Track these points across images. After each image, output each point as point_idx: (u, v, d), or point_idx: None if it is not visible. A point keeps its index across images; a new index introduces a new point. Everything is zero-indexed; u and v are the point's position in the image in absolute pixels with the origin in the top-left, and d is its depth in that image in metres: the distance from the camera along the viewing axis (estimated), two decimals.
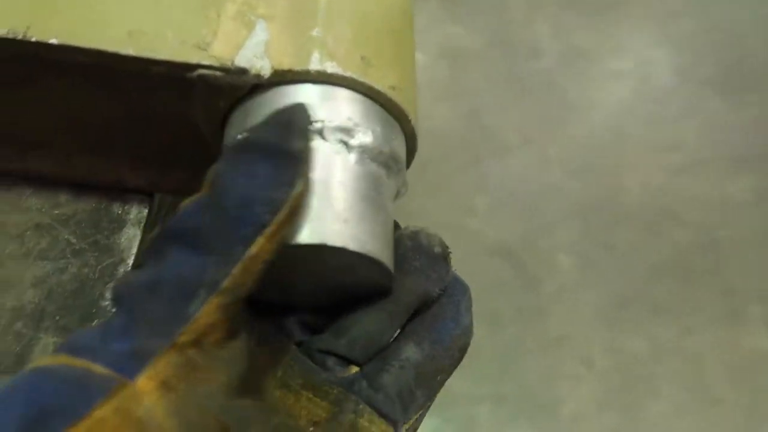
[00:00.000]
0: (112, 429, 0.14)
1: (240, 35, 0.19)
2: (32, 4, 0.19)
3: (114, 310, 0.16)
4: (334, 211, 0.17)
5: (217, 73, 0.19)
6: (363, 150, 0.18)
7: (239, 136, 0.17)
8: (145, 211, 0.24)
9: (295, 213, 0.16)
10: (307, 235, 0.16)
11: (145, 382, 0.14)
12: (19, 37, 0.18)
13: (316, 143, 0.18)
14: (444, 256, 0.20)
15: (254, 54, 0.19)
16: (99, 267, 0.23)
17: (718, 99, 1.21)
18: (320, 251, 0.17)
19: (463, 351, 0.20)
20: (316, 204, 0.17)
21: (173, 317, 0.15)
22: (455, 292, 0.21)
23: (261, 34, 0.19)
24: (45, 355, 0.16)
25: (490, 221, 1.06)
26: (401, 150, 0.20)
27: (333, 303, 0.19)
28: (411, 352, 0.19)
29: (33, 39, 0.18)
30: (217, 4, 0.19)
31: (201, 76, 0.19)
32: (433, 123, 1.17)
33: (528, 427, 0.86)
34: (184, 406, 0.15)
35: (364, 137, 0.18)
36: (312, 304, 0.20)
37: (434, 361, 0.19)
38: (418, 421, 0.19)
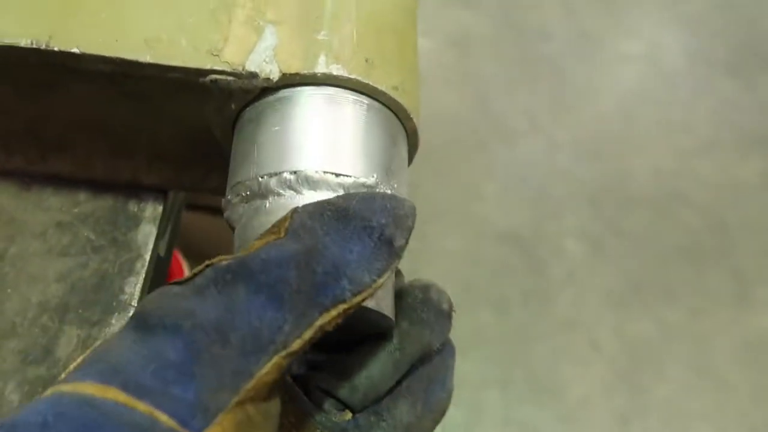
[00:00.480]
0: None
1: (250, 40, 0.20)
2: (54, 14, 0.20)
3: (162, 334, 0.15)
4: None
5: (229, 78, 0.19)
6: (346, 190, 0.19)
7: (344, 202, 0.17)
8: (160, 208, 0.25)
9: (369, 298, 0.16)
10: None
11: None
12: (42, 46, 0.19)
13: (304, 189, 0.19)
14: (449, 314, 0.21)
15: (264, 59, 0.19)
16: (118, 262, 0.24)
17: (729, 81, 1.20)
18: None
19: (443, 414, 0.20)
20: None
21: (242, 370, 0.14)
22: (448, 354, 0.21)
23: (270, 38, 0.20)
24: (82, 381, 0.14)
25: (499, 207, 1.06)
26: (403, 152, 0.21)
27: (332, 339, 0.19)
28: (404, 412, 0.19)
29: (55, 48, 0.19)
30: (227, 10, 0.20)
31: (214, 81, 0.20)
32: (441, 109, 1.17)
33: (535, 410, 0.88)
34: None
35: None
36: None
37: (421, 423, 0.19)
38: None
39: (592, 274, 1.00)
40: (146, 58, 0.19)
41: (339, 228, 0.16)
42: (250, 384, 0.14)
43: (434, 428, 0.20)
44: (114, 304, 0.23)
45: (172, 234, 0.30)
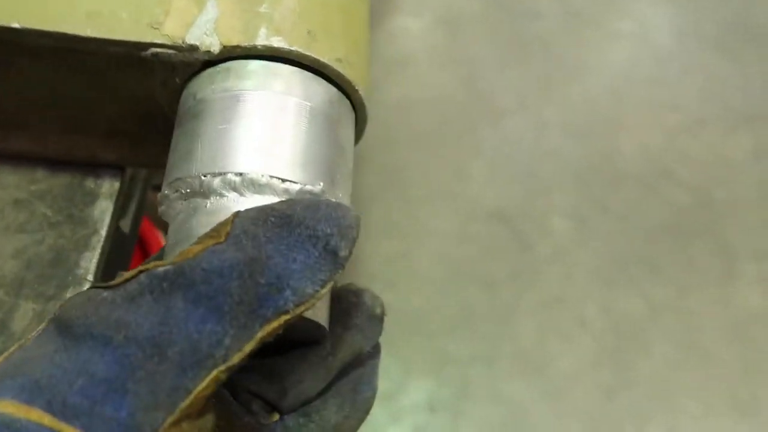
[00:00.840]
0: None
1: (191, 13, 0.20)
2: None
3: (90, 346, 0.14)
4: None
5: (170, 51, 0.20)
6: (291, 196, 0.19)
7: (288, 208, 0.16)
8: (117, 185, 0.26)
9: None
10: None
11: None
12: None
13: (248, 193, 0.19)
14: (381, 318, 0.21)
15: (204, 31, 0.19)
16: (74, 238, 0.24)
17: (719, 57, 1.20)
18: None
19: (368, 412, 0.20)
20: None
21: (179, 387, 0.14)
22: (376, 355, 0.21)
23: (211, 11, 0.20)
24: (8, 400, 0.13)
25: (487, 186, 1.06)
26: (349, 123, 0.21)
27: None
28: (333, 413, 0.19)
29: None
30: None
31: (155, 54, 0.20)
32: (430, 90, 1.17)
33: (523, 386, 0.89)
34: None
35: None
36: None
37: (348, 421, 0.19)
38: None
39: (579, 252, 1.00)
40: (87, 32, 0.19)
41: (283, 236, 0.15)
42: (187, 401, 0.14)
43: (359, 426, 0.20)
44: (69, 278, 0.23)
45: (136, 212, 0.30)
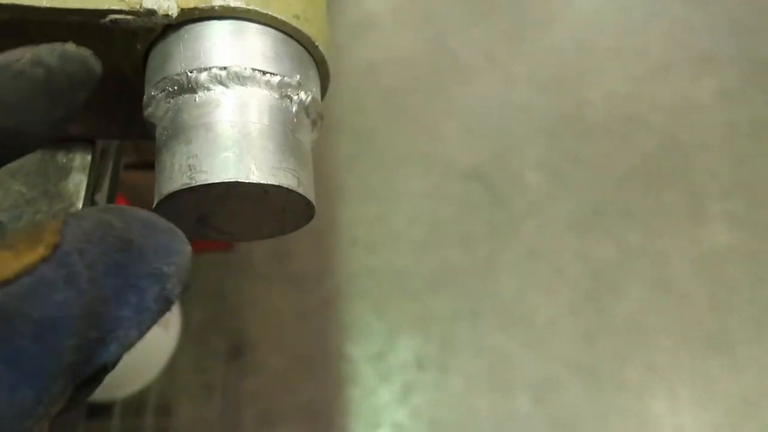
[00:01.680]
0: None
1: None
2: None
3: None
4: (247, 149, 0.19)
5: (129, 17, 0.20)
6: (272, 87, 0.20)
7: (126, 229, 0.14)
8: (89, 158, 0.26)
9: None
10: (224, 174, 0.18)
11: None
12: None
13: (233, 85, 0.19)
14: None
15: None
16: (51, 212, 0.25)
17: (682, 2, 1.21)
18: (234, 188, 0.19)
19: None
20: (231, 144, 0.19)
21: None
22: None
23: None
24: None
25: (460, 145, 1.07)
26: (314, 80, 0.22)
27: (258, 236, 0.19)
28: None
29: None
30: None
31: (114, 21, 0.20)
32: (398, 52, 1.16)
33: (506, 337, 0.91)
34: None
35: (272, 78, 0.20)
36: (249, 237, 0.22)
37: None
38: None
39: (553, 204, 1.02)
40: (42, 2, 0.19)
41: (120, 265, 0.13)
42: None
43: None
44: None
45: (111, 188, 0.30)
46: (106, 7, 0.20)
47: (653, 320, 0.94)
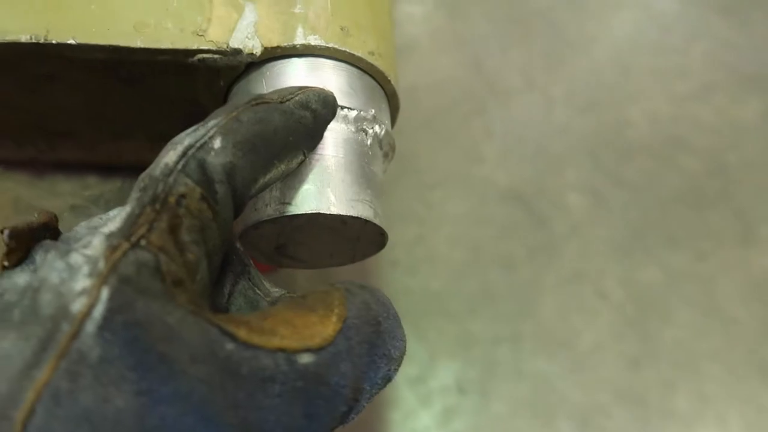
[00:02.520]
0: None
1: (231, 19, 0.21)
2: (48, 8, 0.21)
3: None
4: (327, 182, 0.20)
5: (215, 56, 0.21)
6: (348, 121, 0.21)
7: (378, 321, 0.16)
8: None
9: None
10: (307, 206, 0.19)
11: None
12: (41, 40, 0.20)
13: None
14: None
15: (246, 35, 0.21)
16: None
17: (723, 21, 1.19)
18: (316, 219, 0.19)
19: None
20: (312, 177, 0.20)
21: None
22: None
23: (250, 15, 0.21)
24: None
25: (500, 167, 1.07)
26: (385, 113, 0.22)
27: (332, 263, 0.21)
28: None
29: (53, 41, 0.20)
30: None
31: (201, 60, 0.21)
32: (436, 75, 1.17)
33: (548, 362, 0.90)
34: None
35: (351, 113, 0.21)
36: (320, 265, 0.22)
37: None
38: None
39: (595, 226, 1.01)
40: (137, 43, 0.21)
41: (372, 345, 0.15)
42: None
43: None
44: None
45: None
46: (195, 47, 0.21)
47: (701, 346, 0.92)
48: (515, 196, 1.04)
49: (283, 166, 0.17)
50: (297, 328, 0.14)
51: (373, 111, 0.21)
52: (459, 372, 0.90)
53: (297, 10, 0.21)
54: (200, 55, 0.21)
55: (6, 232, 0.14)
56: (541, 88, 1.16)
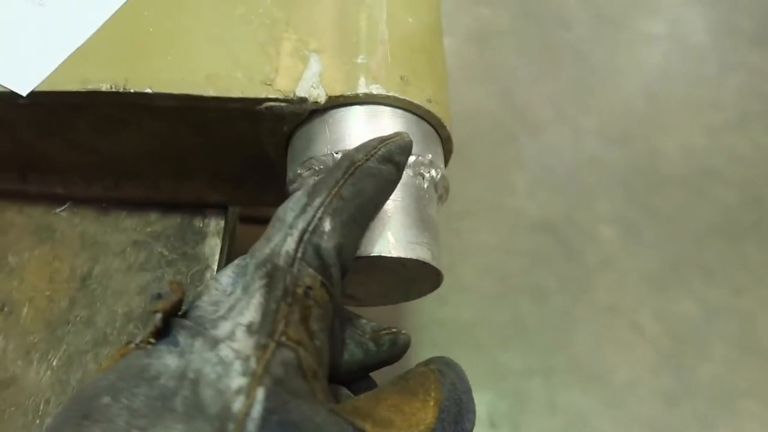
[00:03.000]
0: None
1: (297, 69, 0.22)
2: (128, 59, 0.22)
3: None
4: (388, 226, 0.20)
5: (282, 104, 0.22)
6: (407, 166, 0.21)
7: (463, 394, 0.18)
8: (222, 223, 0.28)
9: None
10: (369, 249, 0.20)
11: None
12: (121, 89, 0.22)
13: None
14: None
15: (311, 84, 0.22)
16: (189, 273, 0.27)
17: (756, 52, 1.19)
18: (376, 261, 0.20)
19: None
20: (377, 222, 0.20)
21: None
22: None
23: (315, 66, 0.22)
24: None
25: (530, 197, 1.07)
26: (440, 157, 0.23)
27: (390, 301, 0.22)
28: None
29: (132, 90, 0.22)
30: (276, 43, 0.23)
31: (268, 108, 0.22)
32: (466, 105, 1.19)
33: (581, 396, 0.88)
34: None
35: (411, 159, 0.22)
36: (374, 303, 0.23)
37: None
38: None
39: (629, 258, 1.00)
40: (209, 92, 0.22)
41: (456, 421, 0.17)
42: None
43: None
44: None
45: (230, 244, 0.33)
46: (263, 95, 0.22)
47: (740, 382, 0.89)
48: (546, 226, 1.04)
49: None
50: (406, 416, 0.15)
51: (430, 156, 0.22)
52: (490, 404, 0.89)
53: (359, 61, 0.22)
54: (268, 104, 0.22)
55: (159, 316, 0.15)
56: (572, 119, 1.16)
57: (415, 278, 0.22)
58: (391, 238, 0.20)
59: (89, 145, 0.26)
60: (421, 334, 0.95)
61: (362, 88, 0.22)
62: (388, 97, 0.22)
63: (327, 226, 0.16)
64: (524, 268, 1.01)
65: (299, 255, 0.16)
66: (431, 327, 0.97)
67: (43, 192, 0.28)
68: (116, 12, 0.23)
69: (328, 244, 0.16)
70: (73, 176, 0.28)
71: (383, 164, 0.18)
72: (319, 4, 0.24)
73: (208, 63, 0.22)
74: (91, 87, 0.22)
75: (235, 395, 0.14)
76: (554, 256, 1.01)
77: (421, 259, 0.20)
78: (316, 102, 0.22)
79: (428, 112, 0.22)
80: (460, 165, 1.11)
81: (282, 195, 0.25)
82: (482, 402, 0.89)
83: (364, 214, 0.18)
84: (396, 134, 0.19)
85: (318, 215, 0.17)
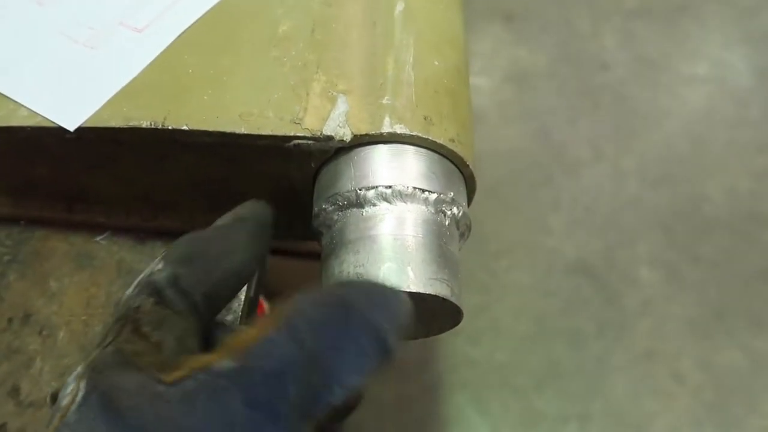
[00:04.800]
0: None
1: (325, 109, 0.23)
2: (167, 98, 0.24)
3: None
4: (408, 261, 0.21)
5: (309, 142, 0.23)
6: (429, 203, 0.22)
7: (345, 292, 0.17)
8: None
9: None
10: (388, 283, 0.20)
11: None
12: (159, 126, 0.23)
13: (396, 201, 0.22)
14: None
15: (338, 124, 0.23)
16: None
17: None
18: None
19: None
20: (394, 256, 0.21)
21: None
22: None
23: (342, 106, 0.23)
24: None
25: (567, 238, 1.06)
26: (462, 195, 0.24)
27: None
28: None
29: (170, 127, 0.23)
30: (306, 85, 0.24)
31: (296, 145, 0.23)
32: (503, 145, 1.19)
33: None
34: None
35: (431, 196, 0.22)
36: None
37: None
38: None
39: (669, 303, 0.97)
40: (241, 129, 0.23)
41: (339, 321, 0.16)
42: None
43: None
44: None
45: (260, 275, 0.33)
46: (292, 133, 0.23)
47: None
48: (583, 268, 1.02)
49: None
50: (225, 346, 0.16)
51: (452, 193, 0.22)
52: None
53: (385, 101, 0.23)
54: (296, 141, 0.23)
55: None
56: (611, 160, 1.15)
57: (434, 314, 0.22)
58: (411, 272, 0.20)
59: (130, 178, 0.27)
60: (452, 374, 0.94)
61: (386, 128, 0.23)
62: (412, 136, 0.23)
63: (159, 266, 0.19)
64: (560, 310, 0.99)
65: (134, 293, 0.18)
66: (463, 367, 0.96)
67: (86, 221, 0.29)
68: (159, 56, 0.25)
69: (159, 276, 0.18)
70: (115, 207, 0.29)
71: (229, 221, 0.22)
72: (349, 47, 0.25)
73: (242, 103, 0.24)
74: (132, 123, 0.24)
75: (66, 397, 0.16)
76: (591, 298, 0.98)
77: (440, 295, 0.21)
78: (342, 140, 0.23)
79: (451, 151, 0.23)
80: (496, 204, 1.12)
81: (308, 230, 0.26)
82: None
83: (202, 248, 0.20)
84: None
85: (152, 266, 0.19)
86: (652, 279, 1.01)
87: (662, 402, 0.90)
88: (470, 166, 0.24)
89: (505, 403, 0.91)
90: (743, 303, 0.97)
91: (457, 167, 0.24)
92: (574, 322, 0.97)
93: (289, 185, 0.26)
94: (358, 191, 0.22)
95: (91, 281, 0.29)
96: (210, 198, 0.28)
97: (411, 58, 0.24)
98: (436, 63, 0.25)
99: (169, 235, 0.30)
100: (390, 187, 0.22)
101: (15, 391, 0.26)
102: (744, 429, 0.87)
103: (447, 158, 0.23)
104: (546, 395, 0.90)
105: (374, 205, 0.22)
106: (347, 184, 0.22)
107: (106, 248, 0.30)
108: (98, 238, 0.30)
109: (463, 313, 0.22)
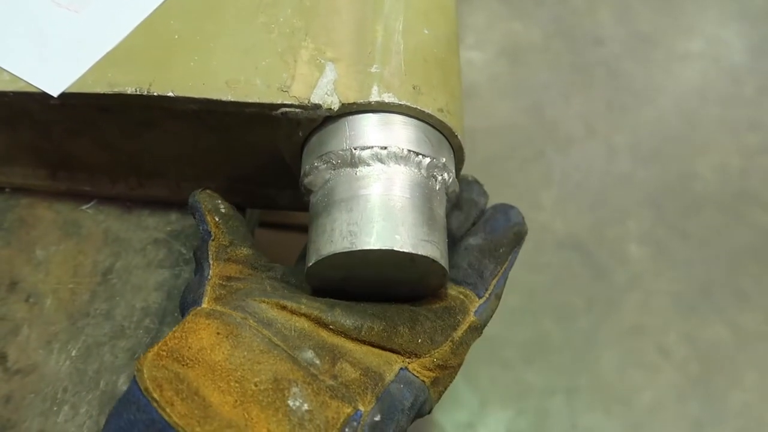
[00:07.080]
0: None
1: (313, 77, 0.23)
2: (152, 65, 0.24)
3: None
4: (399, 222, 0.21)
5: (297, 110, 0.23)
6: (422, 167, 0.22)
7: None
8: None
9: None
10: (381, 243, 0.20)
11: None
12: (145, 92, 0.23)
13: (390, 163, 0.22)
14: (480, 184, 0.30)
15: (325, 92, 0.23)
16: None
17: None
18: (387, 255, 0.20)
19: (518, 234, 0.26)
20: (387, 215, 0.21)
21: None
22: (504, 208, 0.28)
23: (330, 74, 0.23)
24: None
25: (558, 214, 1.06)
26: (451, 164, 0.24)
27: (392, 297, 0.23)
28: (470, 241, 0.25)
29: (155, 93, 0.23)
30: (293, 52, 0.24)
31: (284, 113, 0.23)
32: (495, 120, 1.19)
33: (603, 418, 0.87)
34: None
35: (422, 159, 0.22)
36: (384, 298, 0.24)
37: (491, 241, 0.25)
38: (499, 287, 0.25)
39: (657, 279, 0.98)
40: (228, 96, 0.23)
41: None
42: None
43: (513, 243, 0.26)
44: None
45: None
46: (279, 101, 0.23)
47: None
48: (573, 244, 1.03)
49: None
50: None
51: (444, 159, 0.22)
52: (510, 422, 0.88)
53: (373, 70, 0.23)
54: (283, 109, 0.23)
55: None
56: (603, 137, 1.15)
57: (421, 276, 0.22)
58: (404, 233, 0.20)
59: (115, 145, 0.27)
60: None
61: (375, 97, 0.22)
62: (400, 105, 0.22)
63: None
64: (550, 284, 1.00)
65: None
66: None
67: (71, 189, 0.29)
68: (144, 20, 0.25)
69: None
70: (100, 175, 0.29)
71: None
72: (338, 14, 0.25)
73: (228, 69, 0.23)
74: (117, 90, 0.23)
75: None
76: (581, 274, 0.99)
77: (430, 256, 0.21)
78: (330, 109, 0.22)
79: (440, 121, 0.23)
80: (487, 179, 1.11)
81: (295, 200, 0.26)
82: (502, 419, 0.88)
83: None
84: None
85: None
86: (640, 255, 1.02)
87: (648, 375, 0.91)
88: (459, 137, 0.24)
89: (494, 375, 0.92)
90: (730, 279, 0.98)
91: (445, 137, 0.24)
92: (563, 296, 0.98)
93: (277, 154, 0.26)
94: (353, 150, 0.22)
95: (78, 249, 0.29)
96: (197, 167, 0.28)
97: (400, 26, 0.24)
98: (426, 31, 0.24)
99: (156, 204, 0.30)
100: (385, 148, 0.22)
101: (2, 358, 0.26)
102: (727, 402, 0.88)
103: (435, 128, 0.23)
104: (534, 368, 0.92)
105: (368, 165, 0.22)
106: (342, 143, 0.22)
107: (92, 217, 0.29)
108: (84, 207, 0.30)
109: (448, 276, 0.22)
